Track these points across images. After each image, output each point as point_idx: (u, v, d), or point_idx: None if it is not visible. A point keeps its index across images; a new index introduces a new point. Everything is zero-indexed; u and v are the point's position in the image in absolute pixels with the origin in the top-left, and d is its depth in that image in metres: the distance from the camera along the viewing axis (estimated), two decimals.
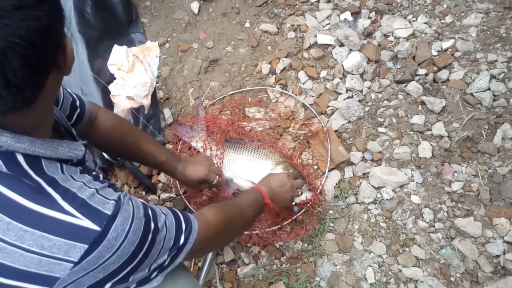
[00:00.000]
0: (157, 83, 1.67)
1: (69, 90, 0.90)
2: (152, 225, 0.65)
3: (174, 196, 1.41)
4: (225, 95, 1.57)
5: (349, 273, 1.20)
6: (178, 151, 1.46)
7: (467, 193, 1.26)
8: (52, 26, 0.49)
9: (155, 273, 0.70)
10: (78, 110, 0.91)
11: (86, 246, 0.55)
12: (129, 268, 0.62)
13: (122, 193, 0.63)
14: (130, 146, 1.06)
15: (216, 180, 1.18)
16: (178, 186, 1.39)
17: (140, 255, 0.62)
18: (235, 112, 1.52)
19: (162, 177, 1.46)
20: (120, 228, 0.58)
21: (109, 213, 0.58)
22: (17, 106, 0.49)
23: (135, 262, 0.62)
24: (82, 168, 0.65)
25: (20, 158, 0.55)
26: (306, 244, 1.26)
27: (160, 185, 1.45)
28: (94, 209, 0.57)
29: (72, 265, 0.54)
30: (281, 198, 1.10)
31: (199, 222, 0.77)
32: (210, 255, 1.24)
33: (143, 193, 1.44)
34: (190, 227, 0.75)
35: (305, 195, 1.25)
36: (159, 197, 1.42)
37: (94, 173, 0.66)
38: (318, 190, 1.29)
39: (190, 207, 1.35)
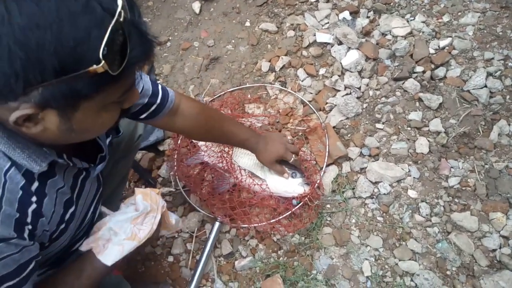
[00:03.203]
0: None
1: (152, 81, 0.90)
2: None
3: (173, 190, 1.43)
4: (225, 91, 1.59)
5: (345, 266, 1.21)
6: (178, 145, 1.48)
7: (463, 188, 1.27)
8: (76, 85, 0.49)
9: None
10: (155, 105, 0.91)
11: None
12: None
13: (18, 241, 0.57)
14: (213, 128, 1.08)
15: (292, 159, 1.24)
16: (178, 181, 1.41)
17: None
18: (235, 108, 1.54)
19: (163, 171, 1.47)
20: None
21: None
22: None
23: None
24: (32, 177, 0.60)
25: None
26: (303, 238, 1.26)
27: (160, 179, 1.47)
28: None
29: None
30: None
31: None
32: (208, 247, 1.25)
33: (143, 187, 1.46)
34: None
35: (304, 189, 1.26)
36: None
37: (34, 191, 0.61)
38: (316, 184, 1.30)
39: (190, 201, 1.37)
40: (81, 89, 0.50)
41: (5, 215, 0.56)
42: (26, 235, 0.59)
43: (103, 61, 0.47)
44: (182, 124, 1.01)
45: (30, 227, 0.59)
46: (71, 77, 0.47)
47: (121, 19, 0.48)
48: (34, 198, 0.60)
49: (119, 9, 0.48)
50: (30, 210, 0.59)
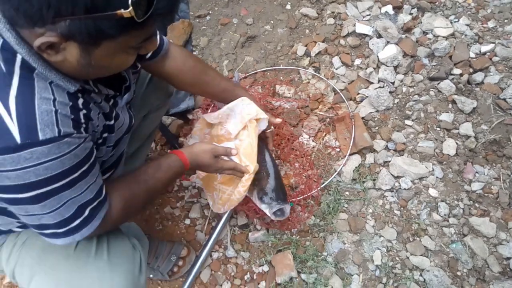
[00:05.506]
0: (194, 51, 1.73)
1: None
2: (71, 177, 0.63)
3: None
4: (258, 70, 1.61)
5: (357, 252, 1.22)
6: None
7: (486, 194, 1.26)
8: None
9: (60, 229, 0.66)
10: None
11: None
12: (21, 196, 0.59)
13: (78, 134, 0.62)
14: (200, 74, 1.08)
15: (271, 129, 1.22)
16: None
17: (37, 192, 0.60)
18: (265, 88, 1.56)
19: (190, 140, 1.51)
20: (36, 155, 0.56)
21: (40, 137, 0.56)
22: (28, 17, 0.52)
23: (30, 195, 0.60)
24: (74, 94, 0.64)
25: (18, 58, 0.58)
26: (318, 220, 1.29)
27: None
28: (32, 123, 0.56)
29: None
30: (203, 168, 1.03)
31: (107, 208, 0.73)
32: (224, 216, 1.27)
33: (168, 151, 1.50)
34: (100, 208, 0.71)
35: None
36: None
37: (81, 106, 0.65)
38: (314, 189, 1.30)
39: None
40: (105, 29, 0.54)
41: (62, 115, 0.60)
42: (82, 130, 0.65)
43: (131, 7, 0.51)
44: (171, 66, 1.01)
45: (84, 126, 0.66)
46: (99, 16, 0.51)
47: None
48: (83, 110, 0.66)
49: None
50: (81, 114, 0.65)
